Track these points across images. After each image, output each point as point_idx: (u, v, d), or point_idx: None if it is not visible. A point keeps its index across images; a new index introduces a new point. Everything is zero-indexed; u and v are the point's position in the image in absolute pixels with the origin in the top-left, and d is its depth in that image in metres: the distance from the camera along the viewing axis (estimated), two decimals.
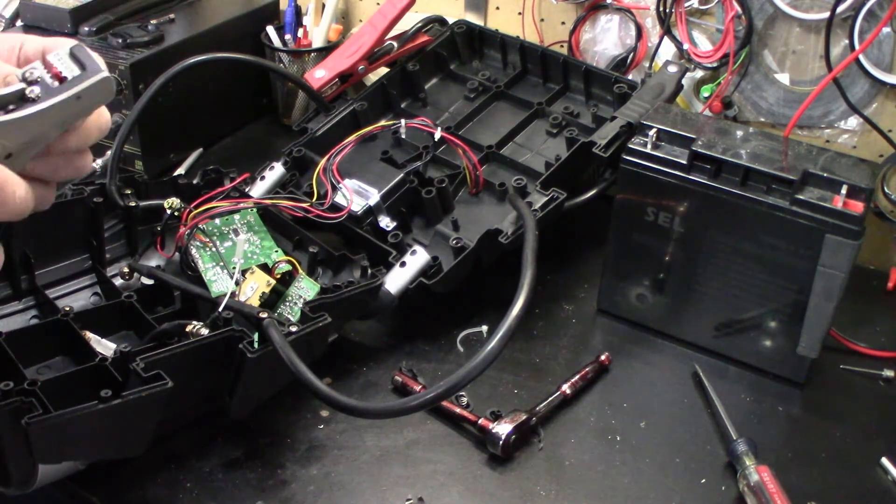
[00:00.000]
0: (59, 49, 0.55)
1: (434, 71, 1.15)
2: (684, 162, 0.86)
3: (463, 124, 1.07)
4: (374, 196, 0.93)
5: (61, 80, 0.54)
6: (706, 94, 1.10)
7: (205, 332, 0.76)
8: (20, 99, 0.53)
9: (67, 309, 0.79)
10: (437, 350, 0.93)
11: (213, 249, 0.90)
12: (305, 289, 0.85)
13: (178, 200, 0.92)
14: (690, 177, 0.86)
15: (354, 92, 1.15)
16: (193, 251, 0.90)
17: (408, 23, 1.14)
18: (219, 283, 0.88)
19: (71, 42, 0.57)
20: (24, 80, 0.54)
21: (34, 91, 0.53)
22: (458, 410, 0.84)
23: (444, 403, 0.84)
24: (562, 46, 1.18)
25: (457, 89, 1.13)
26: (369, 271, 0.90)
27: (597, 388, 0.90)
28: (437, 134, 0.99)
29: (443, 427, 0.84)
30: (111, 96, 0.56)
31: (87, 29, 1.15)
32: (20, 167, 0.54)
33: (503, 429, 0.80)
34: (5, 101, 0.53)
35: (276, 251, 0.92)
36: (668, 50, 1.10)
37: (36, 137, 0.54)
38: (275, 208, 0.95)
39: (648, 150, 0.88)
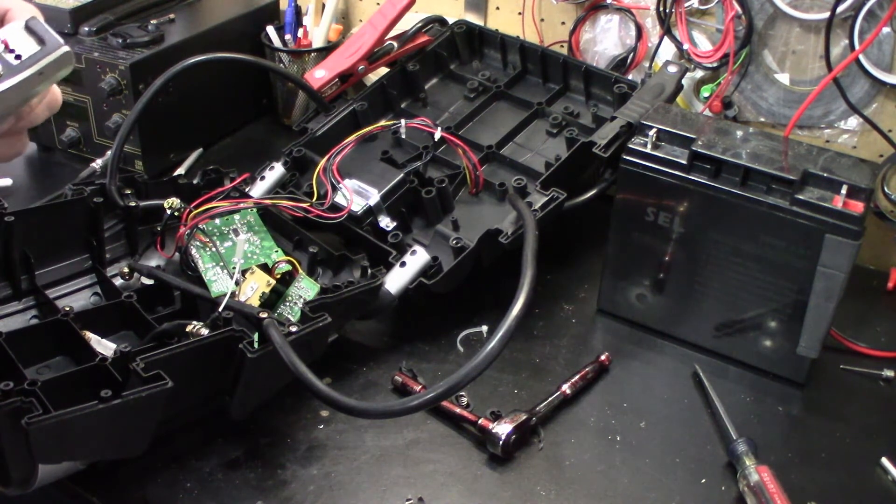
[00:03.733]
0: (11, 22, 0.54)
1: (434, 71, 1.15)
2: (684, 162, 0.86)
3: (463, 124, 1.07)
4: (374, 196, 0.93)
5: (19, 56, 0.53)
6: (706, 94, 1.10)
7: (205, 332, 0.76)
8: None
9: (67, 309, 0.79)
10: (437, 350, 0.92)
11: (213, 249, 0.90)
12: (305, 289, 0.85)
13: (178, 200, 0.92)
14: (690, 177, 0.86)
15: (354, 92, 1.15)
16: (193, 251, 0.90)
17: (408, 23, 1.13)
18: (219, 283, 0.88)
19: (14, 3, 0.56)
20: None
21: None
22: (458, 410, 0.84)
23: (444, 403, 0.84)
24: (562, 46, 1.18)
25: (457, 89, 1.13)
26: (369, 271, 0.90)
27: (597, 388, 0.90)
28: (437, 134, 0.99)
29: (443, 427, 0.84)
30: (71, 68, 0.55)
31: (87, 29, 1.15)
32: None
33: (503, 429, 0.80)
34: None
35: (276, 251, 0.92)
36: (668, 50, 1.10)
37: None
38: (275, 208, 0.95)
39: (648, 150, 0.88)
